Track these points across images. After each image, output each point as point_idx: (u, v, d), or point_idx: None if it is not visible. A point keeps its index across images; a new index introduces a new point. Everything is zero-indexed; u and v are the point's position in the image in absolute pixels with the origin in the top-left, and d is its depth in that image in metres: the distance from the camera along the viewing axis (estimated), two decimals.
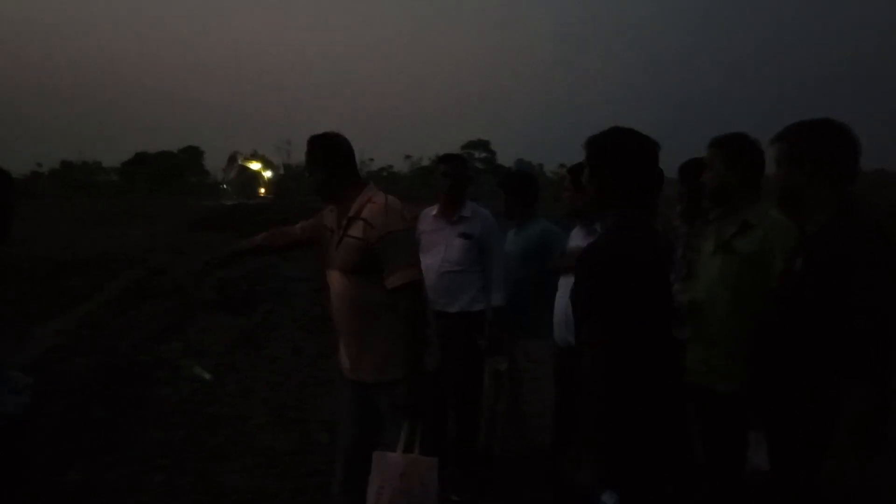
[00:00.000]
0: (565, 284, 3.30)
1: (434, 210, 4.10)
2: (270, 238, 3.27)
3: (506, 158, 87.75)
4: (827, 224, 2.20)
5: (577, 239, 3.48)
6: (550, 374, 3.79)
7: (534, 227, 4.00)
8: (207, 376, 6.19)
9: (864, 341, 2.03)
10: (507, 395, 3.91)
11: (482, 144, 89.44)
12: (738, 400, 2.60)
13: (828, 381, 2.12)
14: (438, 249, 3.95)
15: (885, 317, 2.05)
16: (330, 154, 2.94)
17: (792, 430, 2.24)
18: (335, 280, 2.94)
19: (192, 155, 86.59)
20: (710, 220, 3.20)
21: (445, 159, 4.17)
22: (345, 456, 3.00)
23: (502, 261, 3.96)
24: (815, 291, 2.15)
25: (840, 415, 2.05)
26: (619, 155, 2.24)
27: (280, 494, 3.94)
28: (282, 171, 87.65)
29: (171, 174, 74.74)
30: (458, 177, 4.06)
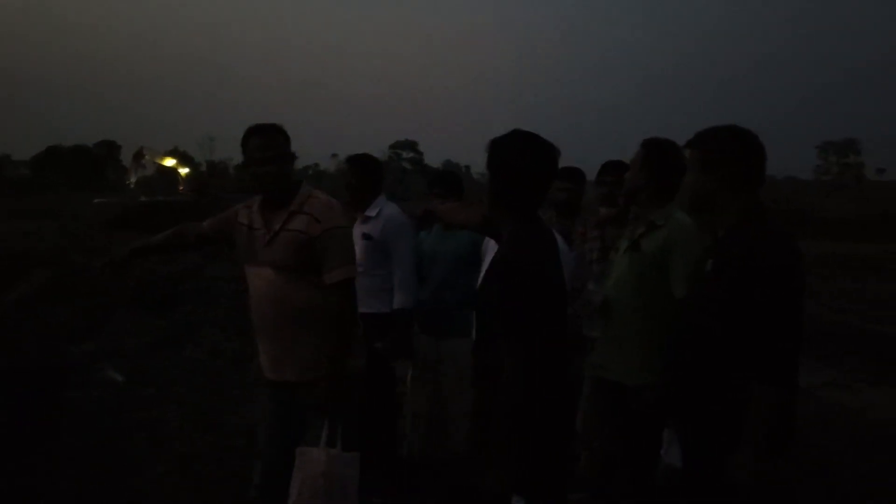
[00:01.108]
0: None
1: None
2: (175, 236, 3.19)
3: (434, 159, 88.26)
4: (733, 228, 2.30)
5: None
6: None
7: (464, 231, 3.98)
8: (120, 378, 6.00)
9: (774, 346, 2.13)
10: (429, 398, 3.92)
11: (410, 145, 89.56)
12: (649, 394, 2.69)
13: (734, 381, 2.22)
14: None
15: (794, 322, 2.15)
16: (287, 145, 2.91)
17: (702, 429, 2.33)
18: (261, 278, 2.89)
19: (109, 149, 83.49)
20: (627, 222, 3.32)
21: (348, 160, 4.13)
22: (263, 459, 2.96)
23: (408, 262, 3.89)
24: (723, 293, 2.25)
25: (749, 414, 2.14)
26: (519, 159, 2.29)
27: (201, 502, 3.84)
28: (203, 168, 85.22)
29: (87, 169, 71.90)
30: (354, 177, 3.99)
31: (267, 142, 2.86)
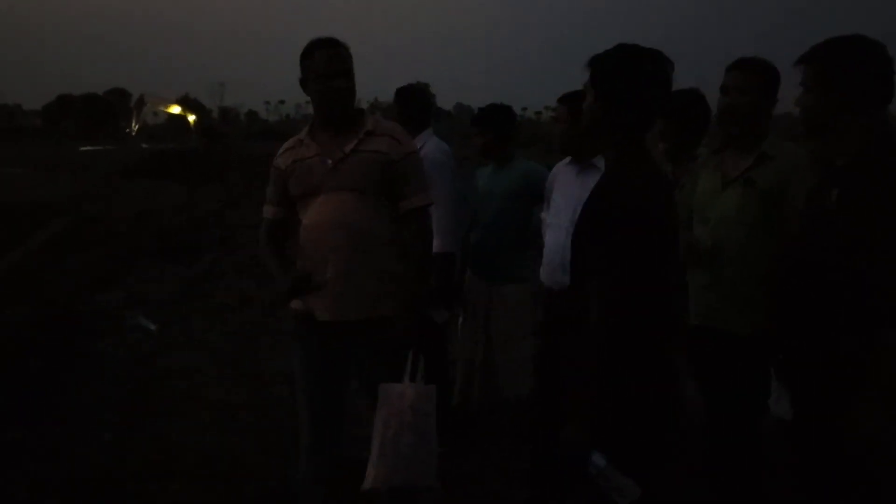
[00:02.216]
0: (558, 226, 3.11)
1: None
2: (283, 242, 2.89)
3: (445, 102, 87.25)
4: (862, 154, 2.04)
5: (568, 176, 3.25)
6: (525, 321, 3.63)
7: (516, 168, 3.73)
8: (152, 327, 5.87)
9: None
10: (480, 345, 3.73)
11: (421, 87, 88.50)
12: (757, 343, 2.47)
13: (861, 323, 1.99)
14: None
15: None
16: (352, 62, 2.71)
17: (819, 378, 2.11)
18: (329, 205, 2.63)
19: (119, 97, 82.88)
20: (698, 157, 3.03)
21: (396, 91, 3.90)
22: (312, 412, 2.76)
23: (447, 202, 3.58)
24: (852, 228, 2.00)
25: (871, 361, 1.93)
26: (634, 77, 1.99)
27: (243, 452, 3.70)
28: (214, 115, 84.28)
29: (99, 117, 71.47)
30: (397, 110, 3.82)
31: (337, 54, 2.64)
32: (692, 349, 2.69)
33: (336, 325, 2.66)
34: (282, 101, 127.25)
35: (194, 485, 3.39)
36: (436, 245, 3.56)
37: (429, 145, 3.73)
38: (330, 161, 2.62)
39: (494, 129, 3.75)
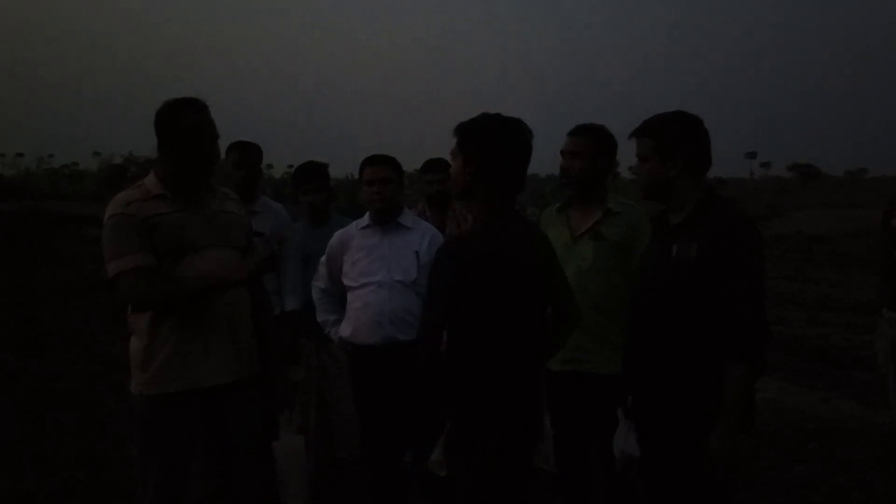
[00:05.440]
0: (378, 284, 3.19)
1: None
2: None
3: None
4: (694, 212, 2.32)
5: (370, 239, 3.31)
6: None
7: (337, 226, 3.69)
8: None
9: (741, 324, 2.17)
10: (315, 409, 3.65)
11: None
12: (616, 383, 2.66)
13: (702, 365, 2.24)
14: None
15: (759, 299, 2.21)
16: None
17: (667, 415, 2.33)
18: (215, 261, 2.58)
19: None
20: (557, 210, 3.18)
21: (238, 147, 3.75)
22: (169, 497, 2.53)
23: (298, 260, 3.64)
24: (690, 278, 2.25)
25: (721, 396, 2.17)
26: (497, 141, 2.22)
27: None
28: None
29: None
30: (251, 166, 3.73)
31: (210, 119, 2.61)
32: (552, 393, 2.89)
33: (209, 391, 2.56)
34: (20, 154, 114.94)
35: None
36: (288, 303, 3.58)
37: (274, 205, 3.78)
38: (208, 217, 2.62)
39: (326, 185, 3.76)
